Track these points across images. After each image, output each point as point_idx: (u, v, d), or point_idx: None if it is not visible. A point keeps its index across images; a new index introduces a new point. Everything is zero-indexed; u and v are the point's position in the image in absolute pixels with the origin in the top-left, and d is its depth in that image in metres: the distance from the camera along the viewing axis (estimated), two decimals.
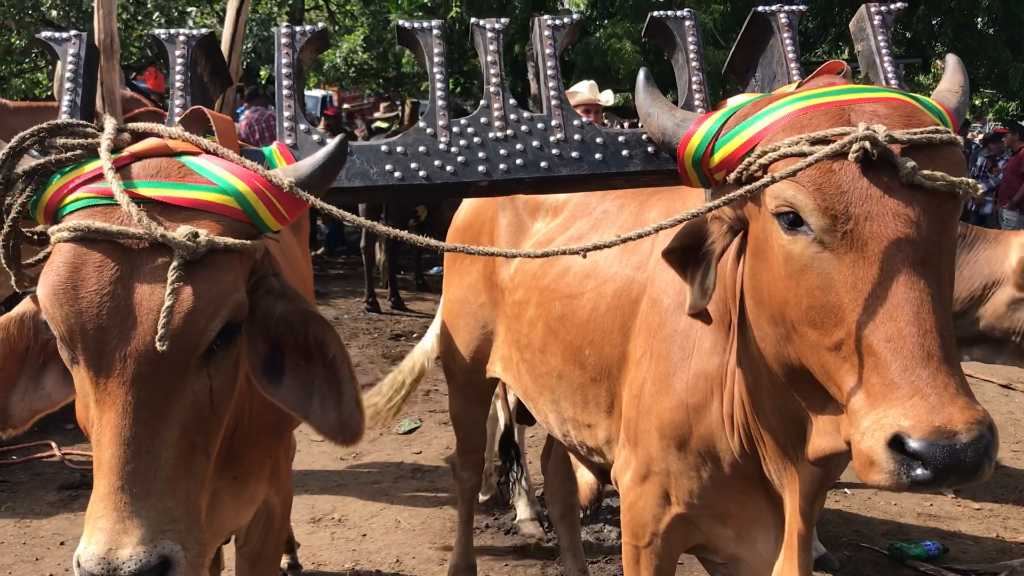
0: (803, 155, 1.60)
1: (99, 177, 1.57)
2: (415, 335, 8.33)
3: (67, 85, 1.86)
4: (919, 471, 1.44)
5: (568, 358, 2.69)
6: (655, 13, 2.12)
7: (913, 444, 1.43)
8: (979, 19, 12.68)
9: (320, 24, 2.06)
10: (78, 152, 1.63)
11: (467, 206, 3.54)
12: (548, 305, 2.78)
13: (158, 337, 1.43)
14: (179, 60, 1.96)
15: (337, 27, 14.33)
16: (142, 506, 1.42)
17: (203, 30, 2.04)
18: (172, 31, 1.99)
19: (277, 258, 1.82)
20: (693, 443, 2.19)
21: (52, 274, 1.49)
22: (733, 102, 1.91)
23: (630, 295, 2.47)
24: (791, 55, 2.06)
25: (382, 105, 14.67)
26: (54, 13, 10.25)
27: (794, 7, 2.09)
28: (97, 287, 1.47)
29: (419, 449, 5.52)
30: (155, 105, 5.61)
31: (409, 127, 2.11)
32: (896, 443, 1.45)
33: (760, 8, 2.10)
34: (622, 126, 8.42)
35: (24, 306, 1.72)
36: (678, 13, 2.10)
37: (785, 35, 2.07)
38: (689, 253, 1.91)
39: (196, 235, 1.48)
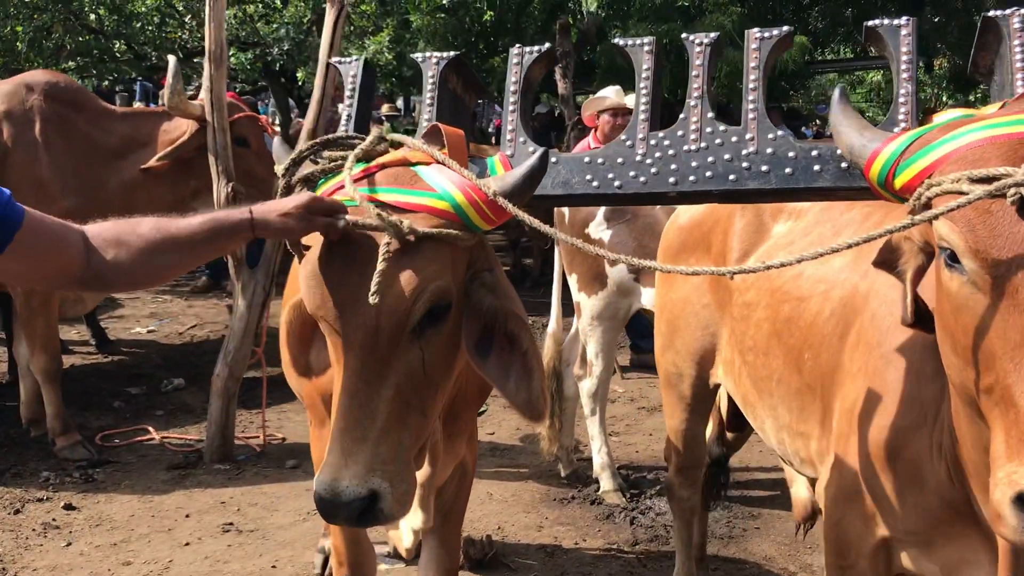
0: (962, 193, 1.53)
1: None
2: None
3: (347, 101, 2.22)
4: None
5: (789, 362, 2.62)
6: (870, 22, 2.03)
7: None
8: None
9: (547, 45, 2.27)
10: (339, 163, 2.00)
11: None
12: (777, 307, 2.70)
13: (371, 294, 1.71)
14: (430, 79, 2.21)
15: (353, 28, 14.58)
16: (360, 448, 1.73)
17: (451, 53, 2.25)
18: (427, 54, 2.24)
19: None
20: (900, 467, 2.11)
21: (308, 263, 1.86)
22: (939, 119, 1.79)
23: (853, 303, 2.38)
24: (1020, 64, 1.87)
25: (385, 105, 15.03)
26: (92, 17, 10.51)
27: None
28: (340, 271, 1.81)
29: (491, 430, 5.90)
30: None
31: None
32: (1021, 501, 1.42)
33: (992, 13, 1.94)
34: None
35: None
36: (895, 21, 2.00)
37: (1015, 42, 1.88)
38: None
39: (404, 221, 1.78)
